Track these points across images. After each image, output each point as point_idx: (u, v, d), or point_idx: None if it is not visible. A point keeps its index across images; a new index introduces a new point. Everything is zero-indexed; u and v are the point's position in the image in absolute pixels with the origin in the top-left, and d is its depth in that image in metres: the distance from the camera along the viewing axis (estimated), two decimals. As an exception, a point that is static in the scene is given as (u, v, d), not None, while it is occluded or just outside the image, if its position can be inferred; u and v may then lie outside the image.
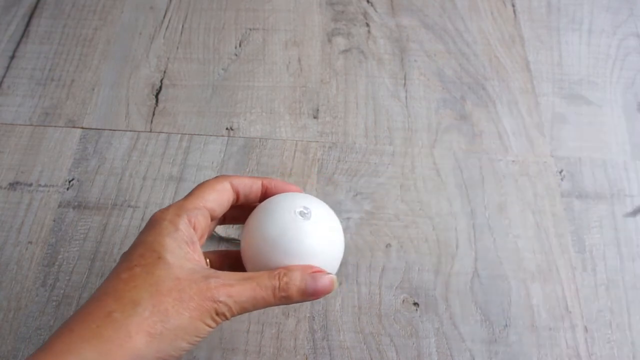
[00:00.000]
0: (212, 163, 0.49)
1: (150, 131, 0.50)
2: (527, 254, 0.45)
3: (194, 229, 0.27)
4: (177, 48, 0.56)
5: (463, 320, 0.42)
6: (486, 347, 0.41)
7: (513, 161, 0.49)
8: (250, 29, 0.57)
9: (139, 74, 0.54)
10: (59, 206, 0.46)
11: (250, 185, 0.31)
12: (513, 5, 0.60)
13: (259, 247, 0.28)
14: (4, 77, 0.53)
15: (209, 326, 0.25)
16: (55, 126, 0.50)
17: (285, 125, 0.51)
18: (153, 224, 0.27)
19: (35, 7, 0.58)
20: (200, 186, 0.29)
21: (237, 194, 0.31)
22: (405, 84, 0.54)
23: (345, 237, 0.45)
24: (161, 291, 0.24)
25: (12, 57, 0.55)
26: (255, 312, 0.41)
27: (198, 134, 0.50)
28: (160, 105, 0.52)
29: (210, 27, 0.58)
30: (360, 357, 0.40)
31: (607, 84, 0.55)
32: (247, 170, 0.48)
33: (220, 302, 0.25)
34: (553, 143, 0.51)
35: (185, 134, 0.50)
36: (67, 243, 0.44)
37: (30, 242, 0.44)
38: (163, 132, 0.50)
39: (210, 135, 0.50)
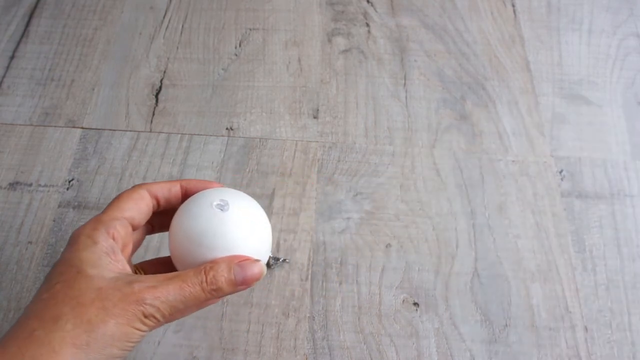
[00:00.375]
0: (212, 163, 0.49)
1: (150, 131, 0.50)
2: (527, 254, 0.45)
3: (114, 239, 0.27)
4: (177, 48, 0.56)
5: (463, 320, 0.42)
6: (486, 347, 0.41)
7: (513, 161, 0.49)
8: (250, 29, 0.57)
9: (139, 74, 0.54)
10: (59, 206, 0.46)
11: (168, 189, 0.31)
12: (513, 5, 0.60)
13: (183, 246, 0.29)
14: (4, 77, 0.53)
15: (140, 330, 0.25)
16: (55, 126, 0.50)
17: (285, 125, 0.51)
18: (71, 241, 0.27)
19: (35, 7, 0.58)
20: (117, 197, 0.30)
21: (157, 200, 0.31)
22: (405, 84, 0.54)
23: (345, 237, 0.45)
24: (83, 303, 0.24)
25: (12, 57, 0.55)
26: (255, 312, 0.41)
27: (198, 134, 0.50)
28: (160, 105, 0.52)
29: (210, 27, 0.58)
30: (360, 357, 0.40)
31: (607, 84, 0.55)
32: (247, 170, 0.48)
33: (147, 304, 0.25)
34: (553, 143, 0.51)
35: (185, 134, 0.50)
36: (66, 243, 0.44)
37: (30, 242, 0.44)
38: (163, 132, 0.50)
39: (210, 135, 0.50)
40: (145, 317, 0.25)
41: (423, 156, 0.49)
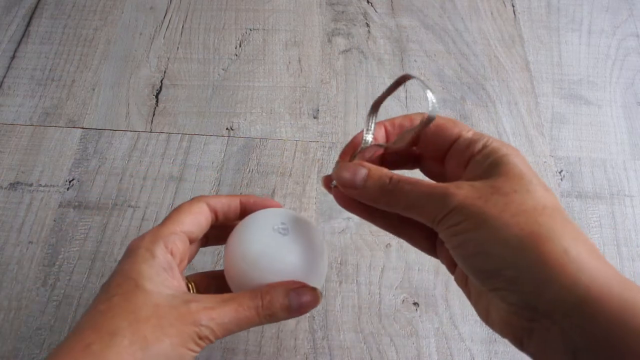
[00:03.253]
0: (212, 163, 0.49)
1: (151, 131, 0.50)
2: (526, 253, 0.45)
3: (172, 254, 0.27)
4: (177, 48, 0.56)
5: (463, 320, 0.42)
6: (486, 347, 0.41)
7: (513, 161, 0.49)
8: (250, 29, 0.58)
9: (139, 74, 0.54)
10: (60, 206, 0.46)
11: (227, 204, 0.31)
12: (513, 6, 0.60)
13: (240, 266, 0.28)
14: (4, 77, 0.54)
15: (193, 351, 0.25)
16: (55, 126, 0.51)
17: (285, 125, 0.51)
18: (129, 253, 0.27)
19: (36, 7, 0.59)
20: (177, 210, 0.29)
21: (216, 214, 0.30)
22: (405, 84, 0.54)
23: (345, 237, 0.45)
24: (139, 319, 0.24)
25: (13, 57, 0.55)
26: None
27: (198, 134, 0.50)
28: (161, 105, 0.52)
29: (210, 27, 0.58)
30: (360, 357, 0.40)
31: (607, 84, 0.55)
32: (247, 170, 0.48)
33: (202, 325, 0.24)
34: (553, 143, 0.51)
35: (186, 134, 0.50)
36: (67, 243, 0.44)
37: (31, 242, 0.44)
38: (163, 132, 0.50)
39: (211, 135, 0.50)
40: (200, 338, 0.25)
41: (423, 156, 0.49)
